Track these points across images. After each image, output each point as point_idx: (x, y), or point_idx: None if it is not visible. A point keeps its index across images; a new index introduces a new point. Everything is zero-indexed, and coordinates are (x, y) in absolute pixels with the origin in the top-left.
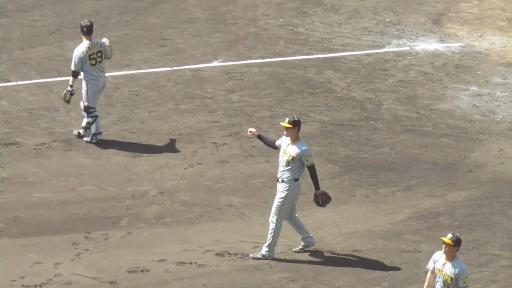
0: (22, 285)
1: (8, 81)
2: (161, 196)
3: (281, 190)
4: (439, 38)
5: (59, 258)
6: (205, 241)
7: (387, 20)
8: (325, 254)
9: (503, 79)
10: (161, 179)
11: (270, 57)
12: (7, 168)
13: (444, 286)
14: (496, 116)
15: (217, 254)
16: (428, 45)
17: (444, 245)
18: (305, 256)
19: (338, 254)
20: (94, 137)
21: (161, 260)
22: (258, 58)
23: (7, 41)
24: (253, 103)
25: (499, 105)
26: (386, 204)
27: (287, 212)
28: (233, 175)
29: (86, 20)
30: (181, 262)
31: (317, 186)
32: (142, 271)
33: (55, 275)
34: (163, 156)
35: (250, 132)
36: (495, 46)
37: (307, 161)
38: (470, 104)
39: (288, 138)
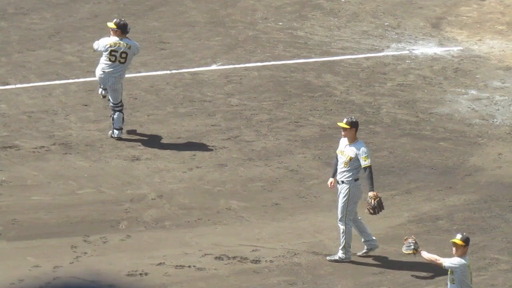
0: None
1: (7, 84)
2: (160, 199)
3: (343, 191)
4: (438, 42)
5: (58, 261)
6: (204, 244)
7: (386, 24)
8: (324, 258)
9: (502, 83)
10: (160, 182)
11: (269, 61)
12: (6, 171)
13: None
14: (495, 120)
15: (216, 258)
16: (427, 49)
17: (454, 247)
18: (304, 260)
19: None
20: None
21: (160, 264)
22: (257, 61)
23: (6, 44)
24: (252, 107)
25: (498, 109)
26: (385, 207)
27: (353, 212)
28: (232, 178)
29: (122, 19)
30: (180, 266)
31: (371, 187)
32: (140, 274)
33: (54, 279)
34: (162, 159)
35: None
36: (494, 50)
37: (364, 161)
38: (469, 108)
39: (346, 139)
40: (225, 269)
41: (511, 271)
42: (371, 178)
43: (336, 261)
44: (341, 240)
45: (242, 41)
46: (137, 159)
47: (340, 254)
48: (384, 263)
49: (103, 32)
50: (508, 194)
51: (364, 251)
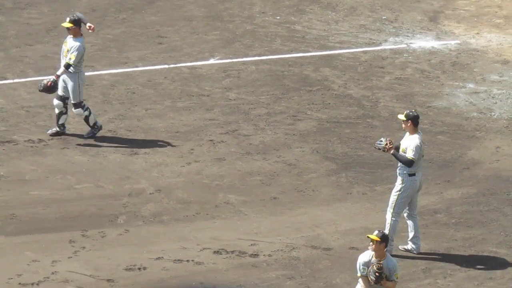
0: (19, 283)
1: (5, 78)
2: (158, 193)
3: (397, 184)
4: (435, 35)
5: (56, 256)
6: (202, 238)
7: (384, 17)
8: (322, 252)
9: (500, 76)
10: (158, 176)
11: (267, 55)
12: (3, 166)
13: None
14: (493, 113)
15: (214, 252)
16: (425, 42)
17: (371, 243)
18: (302, 254)
19: (335, 251)
20: (96, 126)
21: (158, 258)
22: (255, 55)
23: (4, 38)
24: (250, 101)
25: (496, 103)
26: (383, 201)
27: (403, 207)
28: (230, 172)
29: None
30: (178, 260)
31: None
32: (139, 268)
33: (52, 273)
34: (160, 153)
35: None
36: (491, 44)
37: (407, 153)
38: (467, 101)
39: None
40: (224, 263)
41: (509, 264)
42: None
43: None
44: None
45: (240, 35)
46: (135, 154)
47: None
48: None
49: (101, 26)
50: (506, 187)
51: (405, 247)
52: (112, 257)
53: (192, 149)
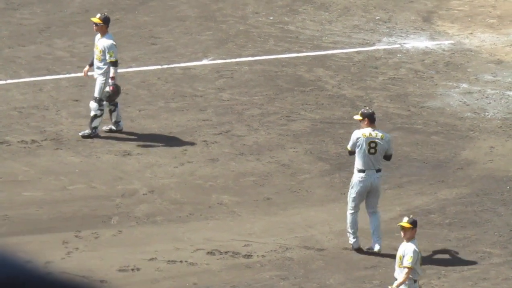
0: None
1: None
2: (151, 194)
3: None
4: (429, 35)
5: (50, 257)
6: (195, 239)
7: (377, 18)
8: (316, 252)
9: (494, 76)
10: (151, 177)
11: (260, 55)
12: None
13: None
14: (487, 113)
15: (208, 253)
16: (418, 42)
17: (402, 231)
18: (296, 254)
19: (329, 252)
20: (94, 130)
21: (151, 259)
22: (248, 56)
23: None
24: (244, 101)
25: (490, 103)
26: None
27: (355, 202)
28: (224, 173)
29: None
30: (172, 261)
31: None
32: (132, 269)
33: (46, 274)
34: (153, 154)
35: None
36: (485, 44)
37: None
38: (460, 101)
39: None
40: (217, 264)
41: (503, 264)
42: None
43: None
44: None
45: (233, 35)
46: (128, 154)
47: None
48: (376, 257)
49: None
50: (499, 187)
51: (353, 241)
52: (106, 258)
53: (185, 150)
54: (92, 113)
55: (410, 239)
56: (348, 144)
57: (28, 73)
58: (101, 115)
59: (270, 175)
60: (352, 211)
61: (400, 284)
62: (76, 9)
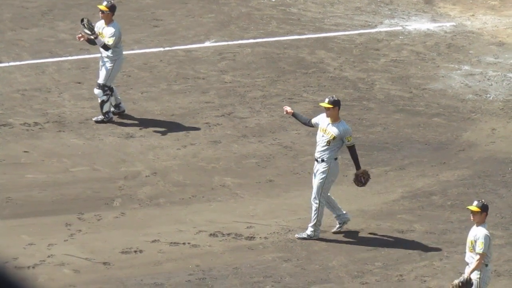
0: (15, 266)
1: (0, 62)
2: (154, 176)
3: (322, 170)
4: (431, 17)
5: (52, 239)
6: (198, 221)
7: (379, 0)
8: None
9: (495, 58)
10: (154, 159)
11: (263, 37)
12: None
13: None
14: (488, 95)
15: (211, 235)
16: (420, 24)
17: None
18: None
19: (331, 234)
20: (107, 115)
21: (154, 241)
22: (250, 38)
23: None
24: (246, 84)
25: (491, 84)
26: (379, 184)
27: (328, 191)
28: (226, 155)
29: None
30: (174, 243)
31: (358, 166)
32: (135, 251)
33: (48, 256)
34: (156, 136)
35: (286, 111)
36: (487, 26)
37: (348, 141)
38: (462, 83)
39: (328, 118)
40: (220, 246)
41: (505, 246)
42: (356, 157)
43: (304, 238)
44: (313, 218)
45: (235, 17)
46: (131, 137)
47: (309, 231)
48: (378, 239)
49: (96, 9)
50: (501, 169)
51: (338, 226)
52: (108, 240)
53: (187, 132)
54: (99, 100)
55: (480, 223)
56: (353, 138)
57: (30, 55)
58: (108, 100)
59: (273, 157)
60: (325, 202)
61: (473, 270)
62: None
